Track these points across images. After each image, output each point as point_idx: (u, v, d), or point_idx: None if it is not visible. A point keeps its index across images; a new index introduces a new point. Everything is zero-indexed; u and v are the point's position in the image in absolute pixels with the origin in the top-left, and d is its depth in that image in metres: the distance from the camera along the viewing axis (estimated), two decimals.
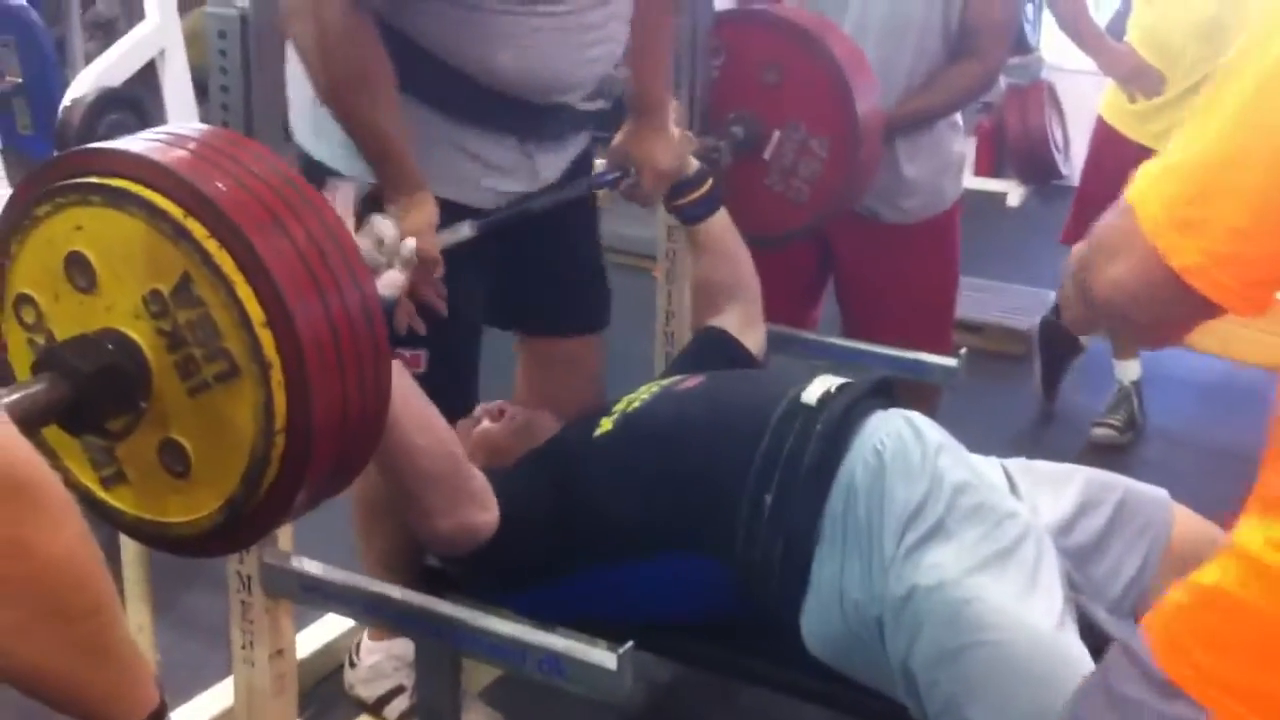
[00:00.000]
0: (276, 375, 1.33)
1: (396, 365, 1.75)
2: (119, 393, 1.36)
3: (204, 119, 1.78)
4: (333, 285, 1.37)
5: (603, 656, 1.65)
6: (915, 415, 1.87)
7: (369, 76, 1.75)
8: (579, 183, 2.07)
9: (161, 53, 3.63)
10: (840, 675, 1.78)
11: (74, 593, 0.92)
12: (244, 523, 1.43)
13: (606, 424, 1.97)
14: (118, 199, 1.33)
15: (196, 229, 1.31)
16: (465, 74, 1.85)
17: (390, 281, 1.68)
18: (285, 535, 1.90)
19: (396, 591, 1.83)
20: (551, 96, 1.94)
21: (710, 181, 2.38)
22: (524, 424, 2.12)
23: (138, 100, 2.69)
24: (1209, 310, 1.04)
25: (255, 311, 1.32)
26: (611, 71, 2.04)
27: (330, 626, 2.52)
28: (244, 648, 1.90)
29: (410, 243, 1.70)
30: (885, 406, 1.92)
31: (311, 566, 1.86)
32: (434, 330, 1.90)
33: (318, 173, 1.89)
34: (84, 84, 3.05)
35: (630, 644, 1.65)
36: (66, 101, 2.51)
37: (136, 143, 1.38)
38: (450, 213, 1.86)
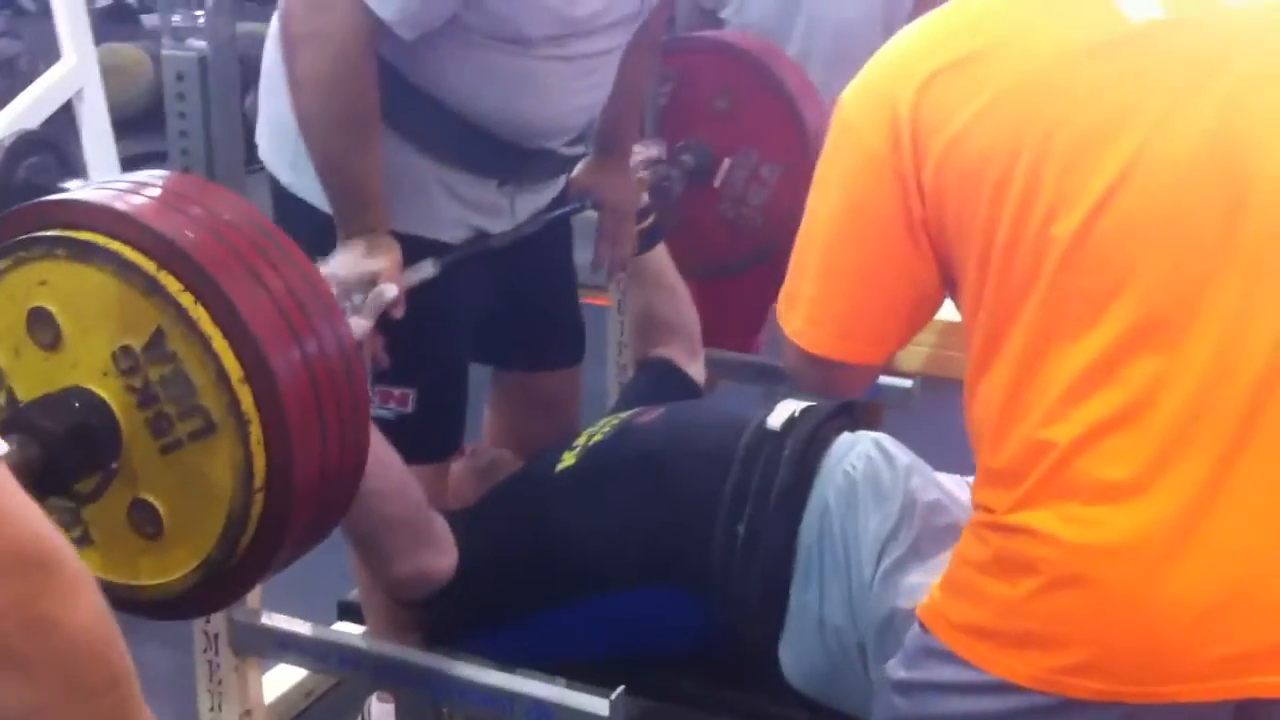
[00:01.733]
0: (256, 432, 1.29)
1: None
2: (89, 453, 1.31)
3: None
4: (312, 338, 1.33)
5: (595, 704, 1.61)
6: (883, 437, 1.85)
7: (368, 116, 1.71)
8: (538, 217, 2.04)
9: (79, 92, 3.51)
10: (824, 708, 1.76)
11: (95, 667, 0.86)
12: (221, 583, 1.38)
13: (569, 458, 1.94)
14: (86, 253, 1.28)
15: (170, 283, 1.26)
16: (456, 114, 1.81)
17: (356, 328, 1.64)
18: (254, 593, 1.84)
19: (375, 644, 1.78)
20: (540, 141, 1.90)
21: (653, 216, 2.37)
22: (488, 464, 2.09)
23: (57, 142, 2.59)
24: (840, 368, 1.34)
25: (233, 367, 1.27)
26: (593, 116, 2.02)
27: (285, 676, 2.45)
28: (212, 710, 1.84)
29: (390, 289, 1.66)
30: (851, 428, 1.90)
31: (283, 622, 1.80)
32: (422, 368, 1.86)
33: (289, 203, 1.84)
34: None
35: (621, 689, 1.62)
36: None
37: (100, 192, 1.34)
38: (423, 250, 1.82)
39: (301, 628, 1.79)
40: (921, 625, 1.31)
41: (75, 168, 2.33)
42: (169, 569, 1.37)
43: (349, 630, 2.07)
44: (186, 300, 1.26)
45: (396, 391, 1.87)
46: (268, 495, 1.31)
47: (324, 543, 1.70)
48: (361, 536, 1.76)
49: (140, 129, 4.02)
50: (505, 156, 1.89)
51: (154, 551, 1.37)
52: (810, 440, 1.80)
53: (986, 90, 1.20)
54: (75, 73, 3.50)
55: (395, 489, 1.74)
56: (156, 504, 1.34)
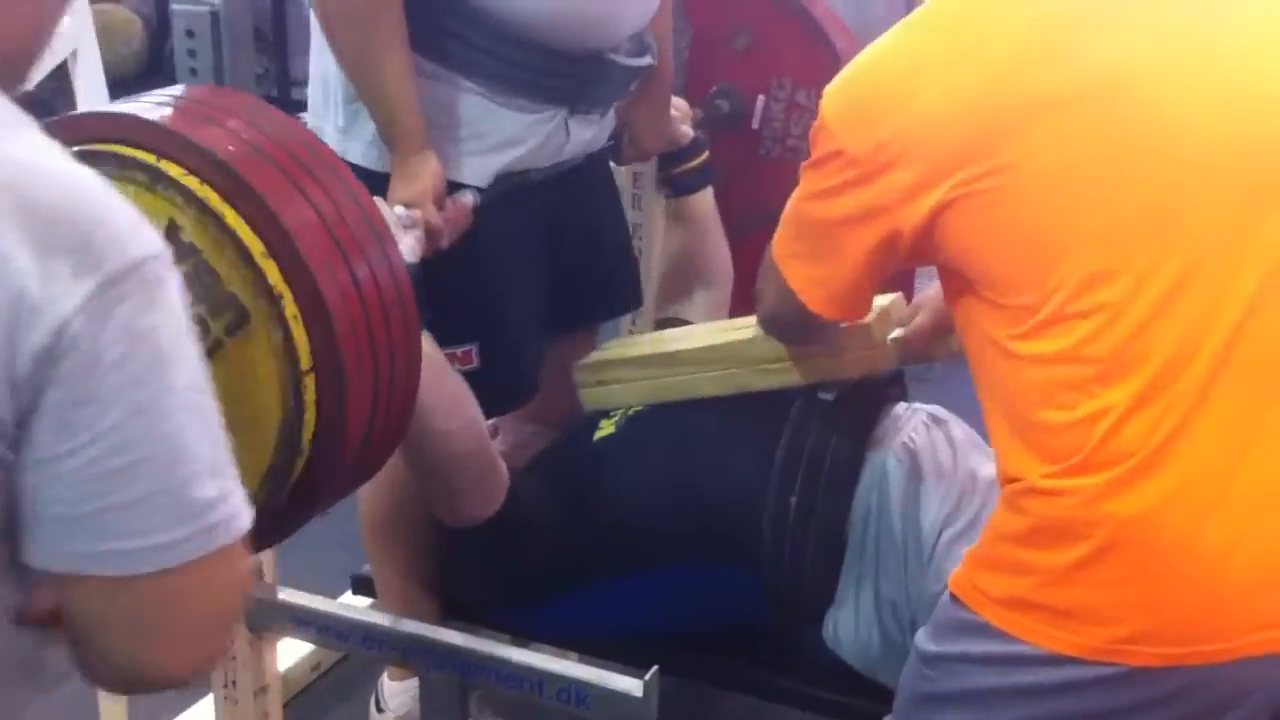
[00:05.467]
0: (290, 308, 1.22)
1: (427, 341, 1.64)
2: None
3: None
4: (332, 209, 1.26)
5: (628, 684, 1.53)
6: (937, 409, 1.79)
7: (387, 7, 1.64)
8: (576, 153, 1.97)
9: (74, 53, 3.50)
10: (867, 688, 1.67)
11: None
12: (292, 498, 1.30)
13: (608, 426, 1.88)
14: (85, 162, 1.21)
15: (172, 169, 1.21)
16: (511, 26, 1.73)
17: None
18: (269, 567, 1.81)
19: (400, 623, 1.69)
20: (599, 40, 1.82)
21: (706, 153, 2.29)
22: (522, 442, 2.02)
23: (51, 104, 2.54)
24: (815, 319, 1.39)
25: (252, 241, 1.21)
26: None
27: (292, 650, 2.37)
28: (226, 686, 1.78)
29: (399, 209, 1.59)
30: (903, 398, 1.83)
31: (302, 598, 1.71)
32: (477, 320, 1.79)
33: None
34: None
35: (655, 669, 1.54)
36: None
37: (89, 109, 1.29)
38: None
39: (321, 604, 1.70)
40: (953, 597, 1.26)
41: None
42: None
43: (368, 606, 2.00)
44: (192, 183, 1.20)
45: (459, 351, 1.80)
46: (318, 376, 1.23)
47: (334, 517, 1.64)
48: (432, 473, 1.71)
49: (130, 91, 3.96)
50: (563, 71, 1.81)
51: None
52: (865, 410, 1.74)
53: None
54: (69, 34, 3.44)
55: (467, 426, 1.69)
56: None
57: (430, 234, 1.64)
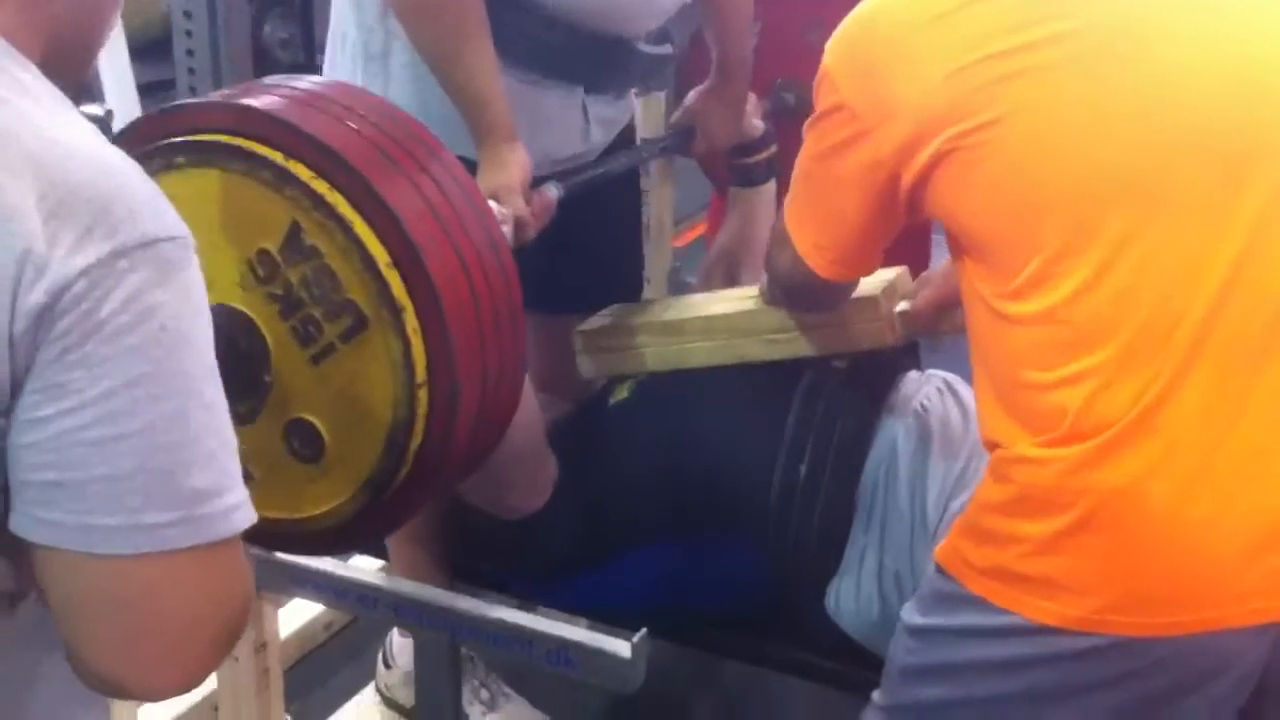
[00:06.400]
0: (411, 320, 1.20)
1: None
2: (239, 372, 1.21)
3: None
4: (455, 219, 1.24)
5: (616, 645, 1.52)
6: (951, 377, 1.76)
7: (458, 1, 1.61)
8: (650, 144, 1.93)
9: None
10: (860, 657, 1.65)
11: None
12: (389, 503, 1.29)
13: (622, 391, 1.86)
14: (208, 154, 1.20)
15: (302, 171, 1.18)
16: (538, 6, 1.71)
17: None
18: None
19: (391, 582, 1.68)
20: (626, 25, 1.80)
21: (774, 147, 2.27)
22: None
23: None
24: (824, 285, 1.41)
25: (379, 251, 1.18)
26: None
27: (303, 610, 2.37)
28: None
29: (491, 203, 1.56)
30: (916, 366, 1.81)
31: (298, 556, 1.66)
32: None
33: None
34: None
35: (644, 631, 1.53)
36: None
37: (215, 97, 1.26)
38: None
39: (316, 562, 1.66)
40: (939, 569, 1.25)
41: (92, 93, 2.28)
42: (334, 493, 1.28)
43: (366, 566, 1.97)
44: (321, 187, 1.18)
45: None
46: (432, 391, 1.22)
47: None
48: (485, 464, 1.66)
49: (151, 56, 3.91)
50: (583, 51, 1.78)
51: (317, 477, 1.27)
52: (878, 380, 1.72)
53: None
54: None
55: (528, 422, 1.65)
56: (314, 421, 1.25)
57: (518, 227, 1.61)
